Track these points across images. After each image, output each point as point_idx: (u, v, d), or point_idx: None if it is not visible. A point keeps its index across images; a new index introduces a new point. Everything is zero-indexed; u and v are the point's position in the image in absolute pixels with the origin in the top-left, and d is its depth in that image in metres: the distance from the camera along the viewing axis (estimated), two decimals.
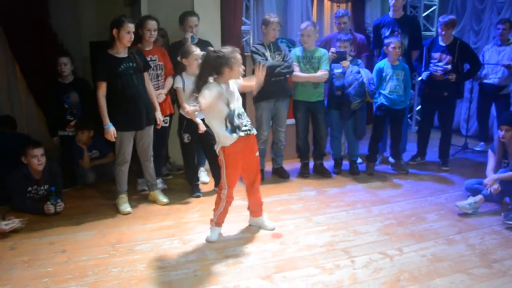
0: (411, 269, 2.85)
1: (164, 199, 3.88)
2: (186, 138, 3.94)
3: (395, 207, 3.90)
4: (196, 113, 3.80)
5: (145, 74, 3.72)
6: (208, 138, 4.00)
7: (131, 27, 3.46)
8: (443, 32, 4.74)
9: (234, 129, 3.01)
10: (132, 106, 3.55)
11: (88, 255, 2.96)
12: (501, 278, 2.77)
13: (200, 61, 3.82)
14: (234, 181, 3.17)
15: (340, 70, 4.37)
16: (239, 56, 2.98)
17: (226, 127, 3.00)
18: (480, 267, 2.90)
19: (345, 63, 4.34)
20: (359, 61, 4.57)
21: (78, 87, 4.43)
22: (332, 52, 4.35)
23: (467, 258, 3.03)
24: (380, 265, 2.89)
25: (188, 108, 3.78)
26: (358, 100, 4.33)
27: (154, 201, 3.89)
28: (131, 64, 3.54)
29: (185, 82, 3.82)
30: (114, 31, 3.45)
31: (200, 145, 4.08)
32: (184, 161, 4.11)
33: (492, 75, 5.31)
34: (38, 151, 3.62)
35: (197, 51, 3.79)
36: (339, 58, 4.33)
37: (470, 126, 6.28)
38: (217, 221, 3.22)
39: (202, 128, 3.83)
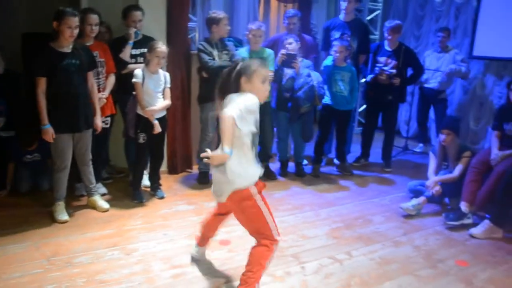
0: (361, 273, 2.87)
1: (104, 205, 3.65)
2: (142, 138, 3.72)
3: (342, 210, 3.93)
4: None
5: (90, 74, 3.47)
6: (161, 138, 3.86)
7: (73, 21, 3.16)
8: (390, 37, 4.85)
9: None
10: (70, 107, 3.29)
11: (20, 271, 2.68)
12: (445, 278, 2.87)
13: (163, 60, 3.63)
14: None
15: (290, 72, 4.33)
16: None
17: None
18: (426, 268, 2.98)
19: (296, 65, 4.29)
20: (309, 62, 4.56)
21: (7, 81, 4.04)
22: (282, 54, 4.30)
23: (414, 260, 3.10)
24: (330, 270, 2.88)
25: (148, 108, 3.61)
26: (307, 104, 4.31)
27: (94, 207, 3.64)
28: (74, 61, 3.27)
29: (146, 79, 3.62)
30: (55, 24, 3.16)
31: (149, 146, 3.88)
32: (136, 162, 3.87)
33: (433, 80, 5.50)
34: None
35: (162, 48, 3.60)
36: (289, 60, 4.28)
37: (410, 128, 6.52)
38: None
39: (158, 129, 3.68)
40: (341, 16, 4.97)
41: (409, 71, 5.09)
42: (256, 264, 2.37)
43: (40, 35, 3.42)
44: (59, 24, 3.16)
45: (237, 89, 2.36)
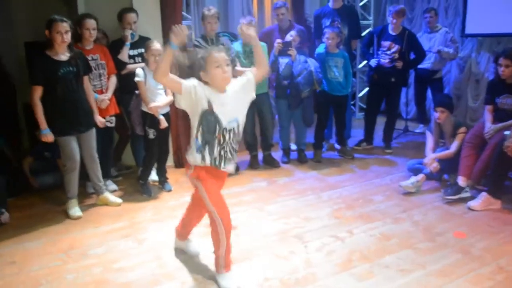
0: (361, 249, 2.99)
1: (117, 200, 3.82)
2: (152, 133, 3.87)
3: (344, 192, 4.05)
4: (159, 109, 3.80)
5: (85, 78, 3.62)
6: (166, 134, 4.04)
7: (62, 27, 3.30)
8: (394, 21, 4.95)
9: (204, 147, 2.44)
10: (72, 111, 3.45)
11: (39, 264, 2.87)
12: (444, 249, 2.98)
13: (159, 57, 3.72)
14: (221, 201, 2.55)
15: (286, 60, 4.46)
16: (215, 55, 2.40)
17: (196, 138, 2.45)
18: (424, 241, 3.09)
19: (292, 51, 4.43)
20: (304, 50, 4.70)
21: None
22: (279, 43, 4.42)
23: (413, 234, 3.21)
24: (332, 248, 3.02)
25: (152, 104, 3.75)
26: (307, 89, 4.46)
27: (106, 204, 3.79)
28: (71, 68, 3.42)
29: (147, 77, 3.76)
30: (47, 32, 3.32)
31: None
32: (147, 157, 4.02)
33: (426, 61, 5.56)
34: None
35: (156, 46, 3.74)
36: (285, 48, 4.41)
37: (410, 110, 6.61)
38: (226, 264, 2.60)
39: (164, 124, 3.84)
40: (330, 4, 5.11)
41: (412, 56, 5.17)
42: (214, 243, 2.55)
43: (41, 43, 3.58)
44: (50, 32, 3.31)
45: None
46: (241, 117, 2.53)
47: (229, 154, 2.50)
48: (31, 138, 4.70)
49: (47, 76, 3.33)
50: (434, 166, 4.03)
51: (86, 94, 3.63)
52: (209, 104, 2.38)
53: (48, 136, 3.36)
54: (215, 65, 2.37)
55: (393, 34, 5.02)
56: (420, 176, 4.04)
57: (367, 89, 6.48)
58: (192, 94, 2.36)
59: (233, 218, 3.32)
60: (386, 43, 5.03)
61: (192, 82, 2.39)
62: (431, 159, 4.07)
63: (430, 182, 4.16)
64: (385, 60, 4.99)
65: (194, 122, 2.43)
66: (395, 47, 4.97)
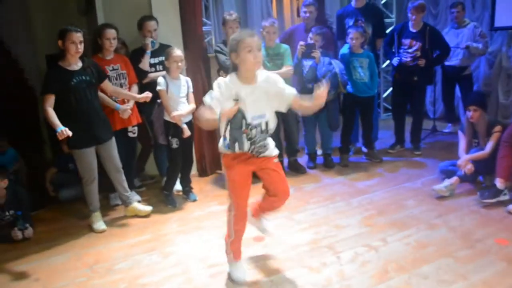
0: (397, 259, 2.84)
1: (146, 208, 3.74)
2: (175, 143, 3.79)
3: (374, 197, 3.90)
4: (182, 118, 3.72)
5: (105, 83, 3.56)
6: (190, 142, 3.94)
7: (76, 36, 3.25)
8: (414, 17, 4.77)
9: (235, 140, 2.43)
10: (87, 121, 3.38)
11: (65, 281, 2.81)
12: (485, 257, 2.80)
13: (181, 63, 3.70)
14: (242, 198, 2.58)
15: (310, 63, 4.34)
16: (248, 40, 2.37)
17: (225, 138, 2.47)
18: (464, 249, 2.92)
19: (316, 53, 4.30)
20: (328, 52, 4.56)
21: None
22: (301, 45, 4.30)
23: (451, 241, 3.05)
24: (366, 258, 2.87)
25: (174, 113, 3.67)
26: (332, 92, 4.32)
27: (135, 214, 3.72)
28: (84, 77, 3.36)
29: (169, 85, 3.69)
30: (60, 43, 3.27)
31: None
32: (170, 167, 3.95)
33: (454, 57, 5.37)
34: None
35: (177, 53, 3.67)
36: (308, 51, 4.28)
37: (437, 108, 6.40)
38: (233, 253, 2.71)
39: (187, 133, 3.75)
40: (353, 3, 4.95)
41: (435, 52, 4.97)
42: (226, 228, 2.70)
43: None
44: (63, 42, 3.26)
45: (234, 68, 2.45)
46: (269, 114, 2.50)
47: (261, 149, 2.51)
48: (54, 150, 4.69)
49: (60, 86, 3.27)
50: (468, 168, 3.84)
51: (116, 91, 3.63)
52: (236, 103, 2.36)
53: (64, 132, 3.10)
54: (247, 49, 2.36)
55: (414, 31, 4.84)
56: (454, 179, 3.86)
57: (391, 89, 6.29)
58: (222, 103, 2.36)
59: None
60: (406, 41, 4.85)
61: (217, 89, 2.38)
62: (465, 160, 3.89)
63: (464, 184, 3.96)
64: (406, 59, 4.81)
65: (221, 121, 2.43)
66: (416, 45, 4.79)
